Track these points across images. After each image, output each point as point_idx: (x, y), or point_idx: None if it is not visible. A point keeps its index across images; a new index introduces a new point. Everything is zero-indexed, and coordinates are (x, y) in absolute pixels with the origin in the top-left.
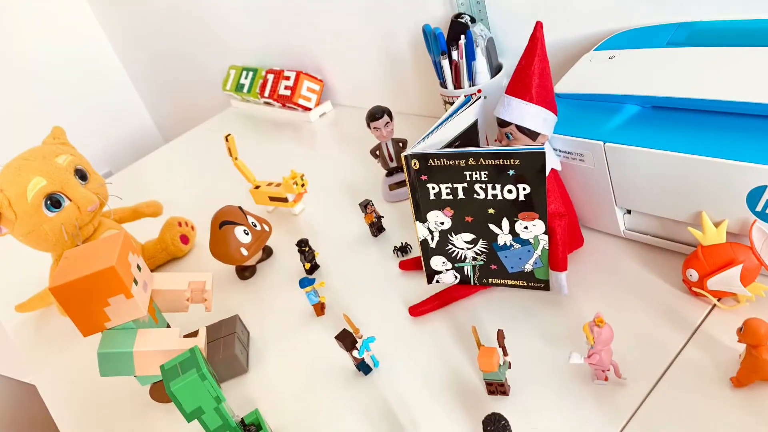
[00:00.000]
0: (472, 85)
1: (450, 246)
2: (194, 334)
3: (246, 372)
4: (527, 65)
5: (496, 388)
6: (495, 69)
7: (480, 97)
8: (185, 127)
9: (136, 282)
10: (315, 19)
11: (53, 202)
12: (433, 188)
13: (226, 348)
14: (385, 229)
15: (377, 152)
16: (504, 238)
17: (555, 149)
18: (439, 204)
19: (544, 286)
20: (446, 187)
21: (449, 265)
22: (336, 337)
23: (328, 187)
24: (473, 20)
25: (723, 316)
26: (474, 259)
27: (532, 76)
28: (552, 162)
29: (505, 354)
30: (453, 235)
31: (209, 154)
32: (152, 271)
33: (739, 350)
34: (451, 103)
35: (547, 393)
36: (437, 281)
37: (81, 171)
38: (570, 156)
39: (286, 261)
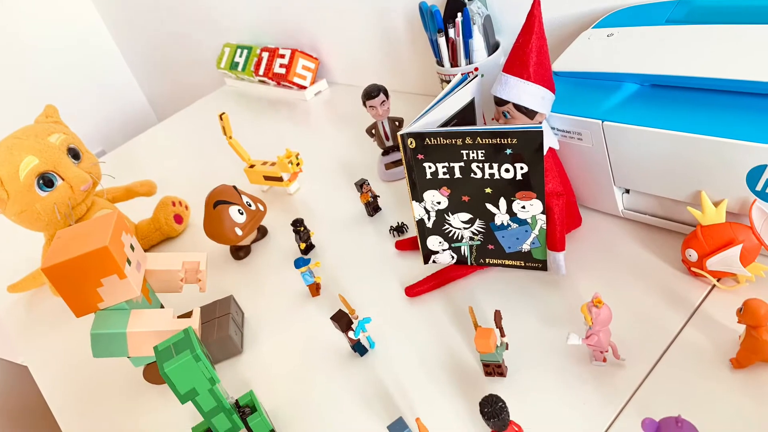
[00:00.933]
0: (469, 64)
1: (447, 226)
2: (188, 314)
3: (240, 353)
4: (525, 43)
5: (493, 369)
6: (492, 47)
7: (477, 76)
8: (179, 106)
9: (129, 262)
10: None
11: (46, 181)
12: (430, 167)
13: (220, 329)
14: (381, 209)
15: (373, 131)
16: (501, 217)
17: (553, 128)
18: (435, 183)
19: (542, 266)
20: (443, 167)
21: (446, 245)
22: (331, 318)
23: (323, 167)
24: None
25: (722, 297)
26: (471, 239)
27: (529, 54)
28: (550, 141)
29: (503, 335)
30: (450, 214)
31: (203, 132)
32: (146, 251)
33: (739, 331)
34: (448, 82)
35: (545, 374)
36: (434, 261)
37: (74, 150)
38: (568, 135)
39: (281, 241)
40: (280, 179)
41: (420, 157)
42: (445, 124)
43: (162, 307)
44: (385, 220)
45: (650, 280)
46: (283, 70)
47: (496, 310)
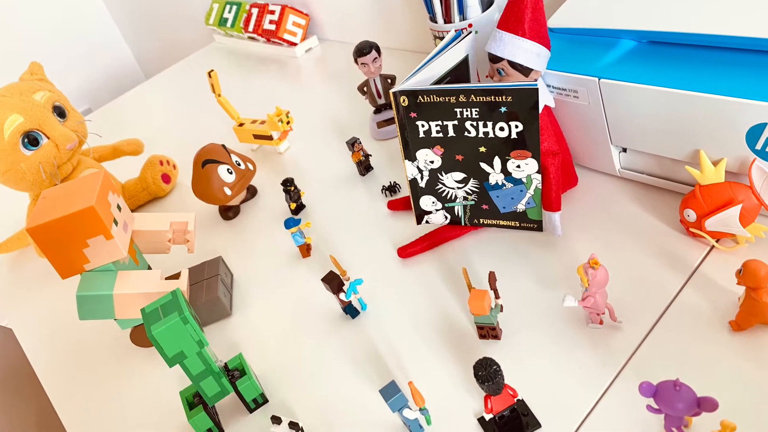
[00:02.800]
0: (463, 20)
1: (440, 185)
2: (176, 276)
3: (229, 315)
4: None
5: (488, 331)
6: (486, 3)
7: (471, 32)
8: (167, 63)
9: (116, 222)
10: None
11: (31, 140)
12: (423, 126)
13: (209, 290)
14: (373, 168)
15: (365, 89)
16: (495, 177)
17: (548, 85)
18: (428, 142)
19: (537, 226)
20: (436, 125)
21: (439, 205)
22: (322, 280)
23: (314, 125)
24: None
25: (721, 258)
26: (465, 198)
27: (524, 10)
28: (545, 98)
29: (497, 297)
30: (443, 174)
31: (192, 90)
32: (133, 211)
33: (738, 293)
34: (441, 38)
35: (540, 337)
36: (427, 222)
37: (59, 108)
38: (564, 92)
39: (270, 201)
40: (269, 138)
41: (413, 115)
42: (438, 82)
43: (149, 268)
44: (377, 179)
45: (648, 241)
46: (273, 27)
47: (490, 272)
